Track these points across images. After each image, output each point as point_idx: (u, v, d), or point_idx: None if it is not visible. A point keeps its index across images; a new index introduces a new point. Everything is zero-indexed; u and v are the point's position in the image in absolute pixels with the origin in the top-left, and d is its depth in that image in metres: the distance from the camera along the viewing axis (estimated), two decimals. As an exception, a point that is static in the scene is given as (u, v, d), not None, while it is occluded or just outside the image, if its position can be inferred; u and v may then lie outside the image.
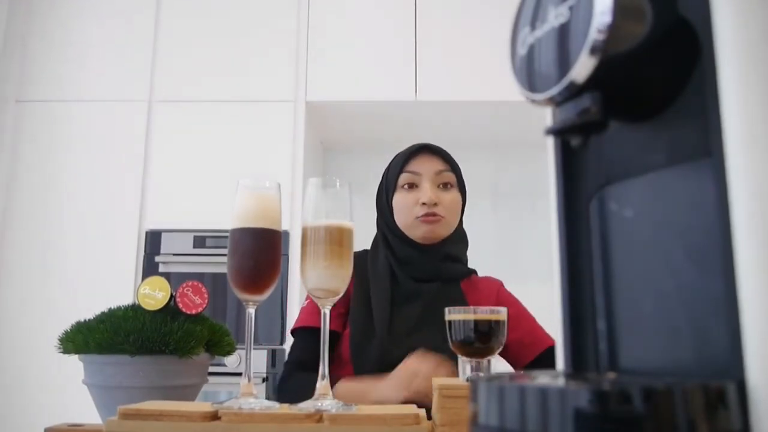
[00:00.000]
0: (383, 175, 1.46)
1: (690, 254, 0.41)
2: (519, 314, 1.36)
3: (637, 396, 0.33)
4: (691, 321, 0.41)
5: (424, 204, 1.33)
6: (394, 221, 1.38)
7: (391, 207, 1.39)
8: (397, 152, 1.43)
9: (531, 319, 1.38)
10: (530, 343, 1.32)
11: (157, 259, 2.57)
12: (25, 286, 2.56)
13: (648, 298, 0.44)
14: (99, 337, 0.84)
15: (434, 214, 1.32)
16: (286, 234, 2.49)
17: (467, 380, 0.81)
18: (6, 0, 2.75)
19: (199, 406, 0.70)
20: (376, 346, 1.21)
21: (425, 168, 1.37)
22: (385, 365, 1.16)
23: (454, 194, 1.38)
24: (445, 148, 1.40)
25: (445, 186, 1.37)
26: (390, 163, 1.44)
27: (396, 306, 1.29)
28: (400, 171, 1.38)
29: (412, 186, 1.37)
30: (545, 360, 1.30)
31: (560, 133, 0.42)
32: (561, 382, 0.41)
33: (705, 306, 0.40)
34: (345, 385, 1.15)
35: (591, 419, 0.33)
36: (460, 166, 1.41)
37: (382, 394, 1.07)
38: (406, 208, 1.35)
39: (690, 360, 0.41)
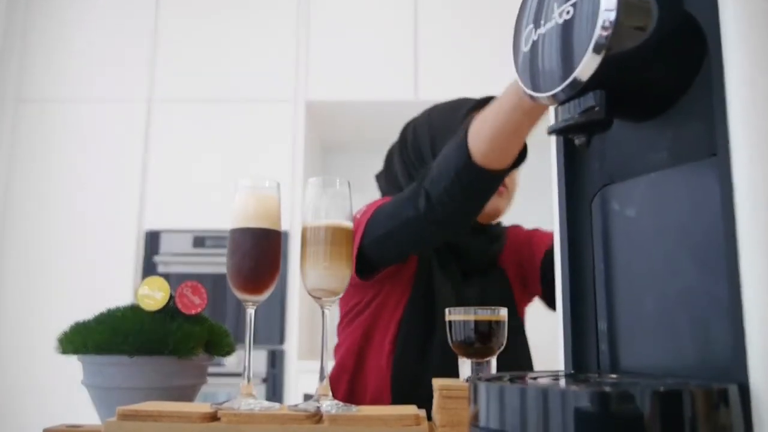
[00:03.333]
0: (423, 125, 1.23)
1: (693, 255, 0.41)
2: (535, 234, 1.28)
3: (638, 398, 0.33)
4: (694, 322, 0.41)
5: None
6: None
7: None
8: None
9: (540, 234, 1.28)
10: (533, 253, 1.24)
11: (157, 259, 2.57)
12: (23, 286, 2.56)
13: (650, 299, 0.44)
14: (98, 338, 0.84)
15: (503, 184, 1.15)
16: (286, 234, 2.49)
17: (467, 381, 0.80)
18: (5, 0, 2.75)
19: (199, 406, 0.70)
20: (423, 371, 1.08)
21: None
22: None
23: None
24: (445, 147, 1.33)
25: None
26: (432, 113, 1.24)
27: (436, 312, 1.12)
28: (464, 120, 1.10)
29: None
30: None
31: (563, 132, 0.41)
32: (562, 383, 0.40)
33: (708, 307, 0.40)
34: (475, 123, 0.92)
35: (592, 421, 0.33)
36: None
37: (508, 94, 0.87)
38: None
39: (692, 362, 0.41)
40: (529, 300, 1.32)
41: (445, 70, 2.71)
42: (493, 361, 0.85)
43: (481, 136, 0.89)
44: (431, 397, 0.81)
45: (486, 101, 1.17)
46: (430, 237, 1.07)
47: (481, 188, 0.95)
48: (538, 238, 1.29)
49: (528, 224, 1.40)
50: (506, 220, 1.34)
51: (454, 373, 0.87)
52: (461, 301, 1.15)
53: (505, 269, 1.28)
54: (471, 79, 2.67)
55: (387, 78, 2.74)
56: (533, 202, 2.63)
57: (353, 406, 0.72)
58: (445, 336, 0.86)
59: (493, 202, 1.14)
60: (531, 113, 0.84)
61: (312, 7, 2.81)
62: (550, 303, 1.25)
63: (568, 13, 0.39)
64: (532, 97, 0.42)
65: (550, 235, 1.24)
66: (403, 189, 1.14)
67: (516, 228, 1.35)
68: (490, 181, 0.93)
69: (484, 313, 0.84)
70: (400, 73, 2.74)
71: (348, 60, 2.76)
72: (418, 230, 1.01)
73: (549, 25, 0.40)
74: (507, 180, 1.16)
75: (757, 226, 0.36)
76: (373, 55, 2.76)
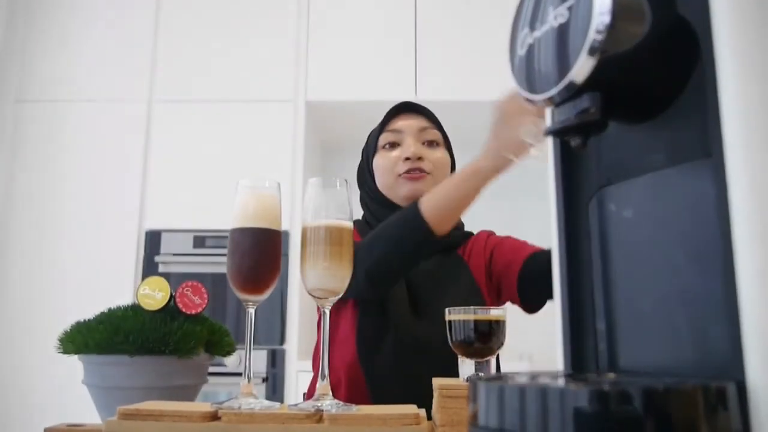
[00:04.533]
0: (364, 148, 1.37)
1: (690, 255, 0.41)
2: (504, 241, 1.27)
3: (637, 397, 0.33)
4: (691, 321, 0.41)
5: (407, 159, 1.23)
6: (376, 186, 1.28)
7: (373, 172, 1.29)
8: None
9: (513, 241, 1.27)
10: (511, 261, 1.21)
11: (157, 259, 2.57)
12: (24, 285, 2.56)
13: (648, 299, 0.44)
14: (98, 337, 0.84)
15: (419, 170, 1.22)
16: (286, 234, 2.49)
17: (467, 380, 0.80)
18: (6, 0, 2.75)
19: (199, 406, 0.70)
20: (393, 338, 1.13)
21: (407, 125, 1.27)
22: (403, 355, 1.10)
23: (441, 152, 1.28)
24: (445, 147, 1.34)
25: (431, 144, 1.27)
26: (370, 132, 1.37)
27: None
28: (381, 131, 1.29)
29: (394, 145, 1.27)
30: (535, 266, 1.17)
31: (559, 133, 0.42)
32: (560, 382, 0.41)
33: (705, 306, 0.40)
34: (428, 196, 1.06)
35: (591, 420, 0.33)
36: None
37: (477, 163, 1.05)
38: (387, 167, 1.25)
39: (690, 360, 0.41)
40: (501, 303, 1.31)
41: (445, 70, 2.71)
42: (493, 360, 0.86)
43: (441, 211, 1.03)
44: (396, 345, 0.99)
45: (400, 107, 1.32)
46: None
47: (430, 252, 1.13)
48: (508, 249, 1.27)
49: (527, 224, 1.40)
50: (502, 222, 1.34)
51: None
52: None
53: (467, 262, 1.27)
54: (470, 79, 2.67)
55: (387, 78, 2.74)
56: (531, 204, 2.64)
57: (353, 405, 0.72)
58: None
59: (413, 187, 1.23)
60: (488, 177, 1.02)
61: (312, 7, 2.81)
62: (530, 304, 1.24)
63: (563, 16, 0.39)
64: (528, 99, 0.43)
65: (520, 245, 1.26)
66: (367, 204, 1.31)
67: (479, 234, 1.36)
68: (438, 244, 1.07)
69: (484, 313, 0.84)
70: (400, 73, 2.74)
71: (348, 60, 2.76)
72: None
73: (544, 28, 0.41)
74: (426, 164, 1.24)
75: (753, 225, 0.36)
76: (373, 55, 2.76)
